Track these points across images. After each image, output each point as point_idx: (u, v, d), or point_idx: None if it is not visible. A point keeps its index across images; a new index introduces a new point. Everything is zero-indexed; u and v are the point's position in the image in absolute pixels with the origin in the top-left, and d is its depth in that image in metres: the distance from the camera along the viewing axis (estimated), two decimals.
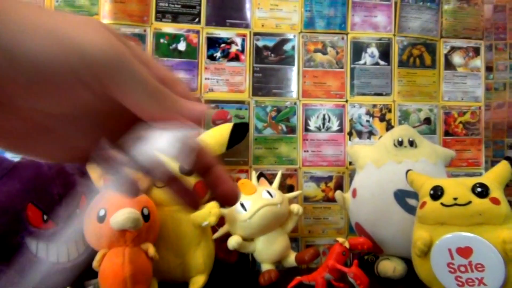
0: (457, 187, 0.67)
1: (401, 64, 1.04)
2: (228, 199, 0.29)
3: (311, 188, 0.99)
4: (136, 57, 0.23)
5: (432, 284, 0.68)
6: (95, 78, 0.21)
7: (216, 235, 0.84)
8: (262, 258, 0.84)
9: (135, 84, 0.22)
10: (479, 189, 0.65)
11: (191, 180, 0.85)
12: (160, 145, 0.23)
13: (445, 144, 1.03)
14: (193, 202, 0.30)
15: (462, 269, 0.63)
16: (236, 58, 0.98)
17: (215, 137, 0.84)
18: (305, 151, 0.99)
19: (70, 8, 0.93)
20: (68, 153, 0.26)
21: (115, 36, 0.22)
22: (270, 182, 0.90)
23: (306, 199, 0.99)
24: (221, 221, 0.80)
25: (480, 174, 1.04)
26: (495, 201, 0.64)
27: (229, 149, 0.92)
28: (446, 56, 1.06)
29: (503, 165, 0.71)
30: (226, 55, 0.98)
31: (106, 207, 0.67)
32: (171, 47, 0.96)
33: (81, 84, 0.21)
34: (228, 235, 0.82)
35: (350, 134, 1.01)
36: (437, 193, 0.68)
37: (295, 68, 1.00)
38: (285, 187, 0.97)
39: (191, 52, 0.97)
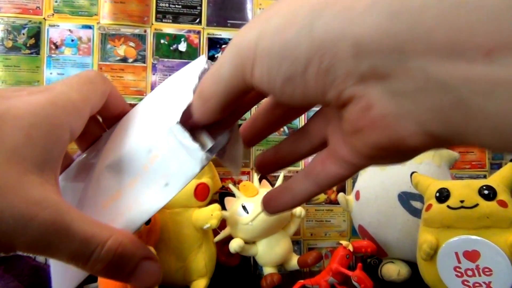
0: (464, 190, 0.66)
1: None
2: None
3: None
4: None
5: None
6: None
7: (218, 238, 0.83)
8: (264, 261, 0.83)
9: None
10: (486, 192, 0.64)
11: (193, 182, 0.84)
12: None
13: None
14: None
15: (469, 273, 0.62)
16: None
17: None
18: None
19: (70, 8, 0.92)
20: None
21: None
22: (272, 185, 0.89)
23: (309, 201, 0.98)
24: (222, 224, 0.79)
25: (484, 176, 1.03)
26: (503, 204, 0.63)
27: None
28: None
29: (509, 167, 0.70)
30: None
31: None
32: (171, 48, 0.95)
33: None
34: (229, 238, 0.81)
35: None
36: (443, 195, 0.67)
37: None
38: None
39: (192, 53, 0.96)
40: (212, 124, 0.25)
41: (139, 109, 0.31)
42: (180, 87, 0.27)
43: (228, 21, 0.98)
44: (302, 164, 0.97)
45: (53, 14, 0.91)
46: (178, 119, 0.24)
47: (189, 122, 0.25)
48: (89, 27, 0.92)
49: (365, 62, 0.18)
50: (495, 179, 0.68)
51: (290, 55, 0.19)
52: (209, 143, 0.25)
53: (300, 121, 0.98)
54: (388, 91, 0.18)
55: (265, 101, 0.29)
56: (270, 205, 0.29)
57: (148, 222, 0.67)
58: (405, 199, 0.81)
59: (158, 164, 0.25)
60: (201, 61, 0.27)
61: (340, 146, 0.24)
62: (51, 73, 0.90)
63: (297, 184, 0.27)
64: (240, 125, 0.30)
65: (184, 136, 0.24)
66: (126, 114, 0.31)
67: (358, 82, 0.19)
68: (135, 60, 0.93)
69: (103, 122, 0.32)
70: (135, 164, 0.26)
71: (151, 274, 0.25)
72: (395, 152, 0.20)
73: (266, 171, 0.31)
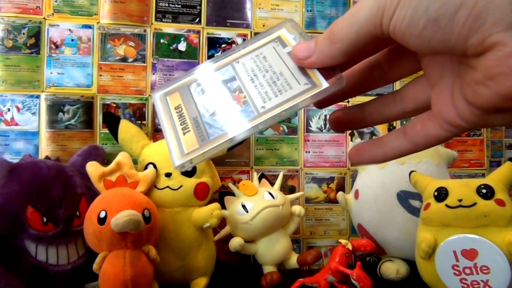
0: (462, 189, 0.66)
1: None
2: None
3: (312, 189, 0.98)
4: None
5: (437, 286, 0.67)
6: None
7: (218, 237, 0.83)
8: (264, 260, 0.83)
9: None
10: (484, 191, 0.65)
11: (193, 181, 0.84)
12: None
13: (447, 144, 1.02)
14: None
15: (467, 271, 0.62)
16: None
17: None
18: (306, 152, 0.99)
19: (70, 8, 0.92)
20: None
21: None
22: (272, 183, 0.89)
23: (308, 200, 0.98)
24: (222, 223, 0.80)
25: (483, 175, 1.03)
26: (500, 203, 0.64)
27: (230, 150, 0.91)
28: None
29: (507, 166, 0.70)
30: None
31: (106, 209, 0.66)
32: (171, 48, 0.95)
33: None
34: (229, 237, 0.81)
35: (351, 134, 1.00)
36: (441, 194, 0.67)
37: None
38: (287, 188, 0.97)
39: (192, 52, 0.96)
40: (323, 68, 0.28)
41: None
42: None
43: (228, 21, 0.98)
44: (302, 163, 0.98)
45: (53, 14, 0.91)
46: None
47: (304, 63, 0.28)
48: (89, 26, 0.92)
49: None
50: (493, 178, 0.69)
51: None
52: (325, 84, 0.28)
53: (300, 121, 0.98)
54: None
55: (365, 60, 0.31)
56: (357, 155, 0.30)
57: (148, 221, 0.68)
58: (404, 198, 0.81)
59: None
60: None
61: (447, 108, 0.25)
62: (51, 73, 0.90)
63: (392, 139, 0.28)
64: None
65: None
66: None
67: (506, 29, 0.19)
68: (135, 60, 0.94)
69: None
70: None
71: None
72: None
73: (340, 127, 0.32)
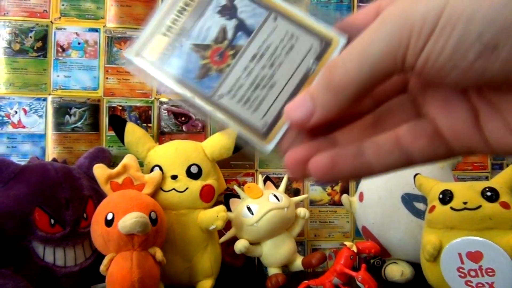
0: (467, 191, 0.67)
1: None
2: None
3: (317, 192, 0.99)
4: None
5: None
6: None
7: (223, 239, 0.83)
8: (269, 262, 0.84)
9: None
10: (488, 193, 0.65)
11: (198, 183, 0.84)
12: None
13: None
14: None
15: (472, 273, 0.63)
16: None
17: (222, 141, 0.83)
18: None
19: (76, 11, 0.93)
20: None
21: None
22: (276, 186, 0.90)
23: (312, 202, 0.99)
24: (228, 225, 0.80)
25: (486, 178, 1.03)
26: (505, 206, 0.64)
27: (235, 152, 0.92)
28: None
29: (511, 169, 0.70)
30: None
31: (114, 211, 0.67)
32: None
33: None
34: (235, 239, 0.82)
35: None
36: (446, 197, 0.68)
37: None
38: (291, 191, 0.97)
39: None
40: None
41: None
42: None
43: None
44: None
45: (60, 18, 0.92)
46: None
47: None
48: (96, 30, 0.93)
49: None
50: (498, 181, 0.69)
51: (501, 19, 0.17)
52: None
53: None
54: None
55: None
56: (329, 168, 0.23)
57: (155, 223, 0.68)
58: (409, 200, 0.81)
59: None
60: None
61: (470, 136, 0.21)
62: (58, 76, 0.91)
63: (380, 150, 0.23)
64: None
65: None
66: None
67: None
68: None
69: None
70: None
71: None
72: None
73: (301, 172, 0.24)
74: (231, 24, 0.26)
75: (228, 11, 0.26)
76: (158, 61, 0.25)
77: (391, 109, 0.24)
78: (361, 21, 0.23)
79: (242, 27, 0.26)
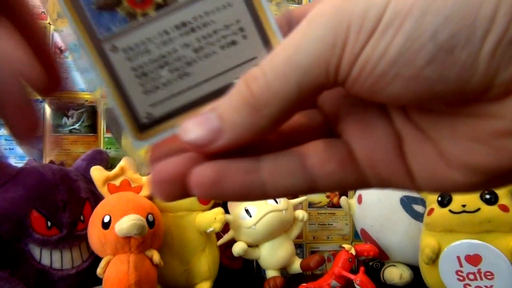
0: (465, 194, 0.66)
1: None
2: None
3: (315, 194, 0.98)
4: None
5: None
6: None
7: (221, 241, 0.83)
8: (267, 265, 0.83)
9: None
10: (487, 196, 0.65)
11: None
12: None
13: None
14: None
15: (471, 277, 0.62)
16: None
17: None
18: None
19: None
20: None
21: None
22: None
23: (311, 205, 0.98)
24: (225, 227, 0.80)
25: None
26: (504, 208, 0.64)
27: None
28: None
29: None
30: None
31: (111, 213, 0.66)
32: None
33: None
34: (232, 241, 0.82)
35: None
36: (445, 199, 0.68)
37: None
38: None
39: None
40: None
41: None
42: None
43: None
44: None
45: (57, 19, 0.92)
46: None
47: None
48: None
49: None
50: None
51: (460, 15, 0.14)
52: None
53: None
54: None
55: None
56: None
57: (152, 225, 0.68)
58: (407, 203, 0.81)
59: None
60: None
61: (439, 170, 0.17)
62: None
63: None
64: None
65: None
66: None
67: None
68: None
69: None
70: None
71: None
72: None
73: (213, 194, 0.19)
74: None
75: None
76: None
77: (301, 120, 0.20)
78: (299, 14, 0.19)
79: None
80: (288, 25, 0.19)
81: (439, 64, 0.14)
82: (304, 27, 0.16)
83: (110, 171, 0.74)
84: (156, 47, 0.18)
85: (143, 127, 0.19)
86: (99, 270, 0.65)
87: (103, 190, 0.72)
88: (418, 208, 0.80)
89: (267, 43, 0.19)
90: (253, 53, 0.19)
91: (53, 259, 0.70)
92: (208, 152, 0.17)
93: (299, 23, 0.16)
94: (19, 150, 0.89)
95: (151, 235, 0.68)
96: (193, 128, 0.17)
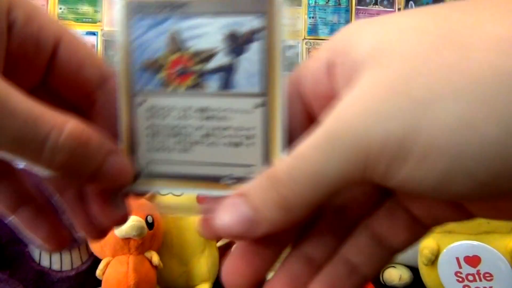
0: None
1: None
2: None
3: None
4: None
5: None
6: None
7: (221, 242, 0.83)
8: None
9: None
10: None
11: None
12: None
13: None
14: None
15: (470, 278, 0.62)
16: None
17: None
18: None
19: (74, 15, 0.93)
20: None
21: None
22: None
23: None
24: None
25: None
26: None
27: None
28: None
29: None
30: None
31: None
32: None
33: None
34: (232, 242, 0.82)
35: None
36: None
37: None
38: None
39: None
40: None
41: None
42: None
43: None
44: None
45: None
46: None
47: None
48: (93, 33, 0.93)
49: None
50: None
51: (498, 158, 0.14)
52: None
53: None
54: None
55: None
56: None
57: (151, 227, 0.68)
58: None
59: None
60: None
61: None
62: None
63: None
64: None
65: None
66: None
67: None
68: None
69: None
70: None
71: (120, 170, 0.20)
72: None
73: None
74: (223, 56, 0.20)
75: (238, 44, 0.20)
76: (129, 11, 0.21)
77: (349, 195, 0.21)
78: (310, 78, 0.20)
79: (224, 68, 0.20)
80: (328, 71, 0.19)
81: (491, 186, 0.15)
82: (324, 144, 0.16)
83: None
84: (174, 117, 0.20)
85: (137, 175, 0.21)
86: (98, 272, 0.65)
87: None
88: None
89: (266, 158, 0.20)
90: (250, 161, 0.20)
91: (53, 261, 0.70)
92: (243, 240, 0.19)
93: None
94: None
95: (150, 236, 0.68)
96: (225, 214, 0.18)
